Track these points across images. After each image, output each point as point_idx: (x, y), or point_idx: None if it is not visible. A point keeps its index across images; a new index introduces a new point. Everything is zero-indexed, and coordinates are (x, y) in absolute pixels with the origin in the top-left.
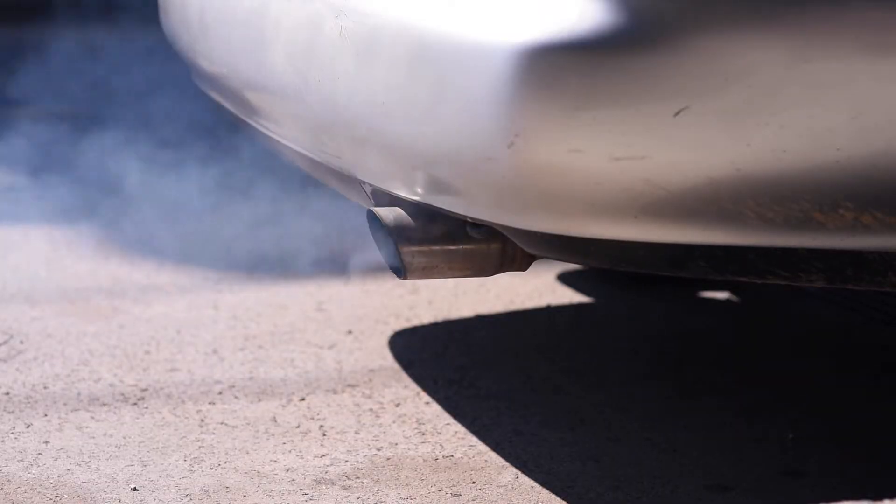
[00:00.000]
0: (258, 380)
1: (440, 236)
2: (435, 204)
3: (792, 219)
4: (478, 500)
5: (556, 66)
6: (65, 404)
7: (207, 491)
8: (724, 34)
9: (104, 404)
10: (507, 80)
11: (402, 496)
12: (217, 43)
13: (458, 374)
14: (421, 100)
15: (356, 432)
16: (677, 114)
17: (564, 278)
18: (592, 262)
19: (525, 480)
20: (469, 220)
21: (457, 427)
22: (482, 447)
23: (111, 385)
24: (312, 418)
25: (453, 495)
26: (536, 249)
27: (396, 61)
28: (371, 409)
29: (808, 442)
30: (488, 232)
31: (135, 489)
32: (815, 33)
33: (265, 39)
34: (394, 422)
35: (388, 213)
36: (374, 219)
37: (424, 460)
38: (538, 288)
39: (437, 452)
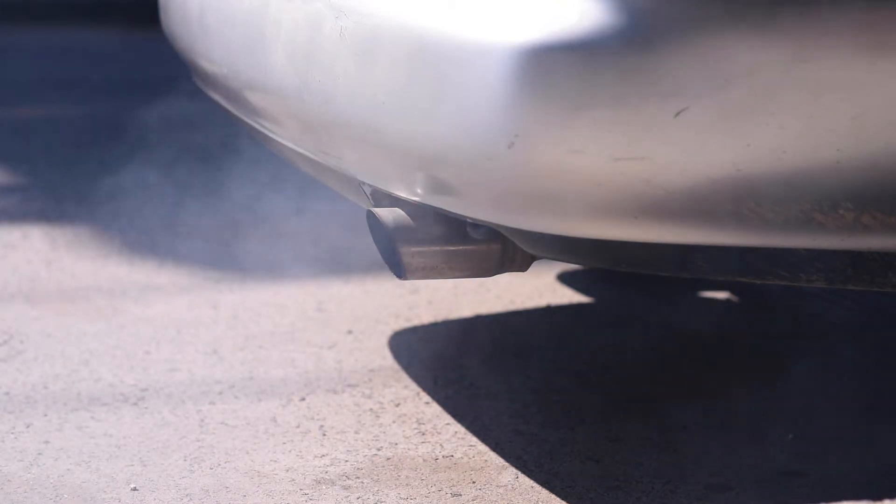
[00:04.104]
0: (258, 380)
1: (440, 237)
2: (435, 204)
3: (792, 219)
4: (478, 500)
5: (557, 67)
6: (65, 404)
7: (207, 491)
8: (724, 34)
9: (104, 404)
10: (507, 81)
11: (402, 496)
12: (217, 43)
13: (458, 374)
14: (421, 100)
15: (356, 432)
16: (677, 114)
17: (564, 278)
18: (592, 262)
19: (525, 480)
20: (469, 220)
21: (457, 427)
22: (482, 447)
23: (111, 385)
24: (312, 418)
25: (453, 495)
26: (536, 250)
27: (396, 61)
28: (371, 409)
29: (808, 442)
30: (488, 232)
31: (135, 489)
32: (815, 33)
33: (265, 39)
34: (394, 422)
35: (388, 214)
36: (373, 219)
37: (424, 460)
38: (538, 288)
39: (437, 452)
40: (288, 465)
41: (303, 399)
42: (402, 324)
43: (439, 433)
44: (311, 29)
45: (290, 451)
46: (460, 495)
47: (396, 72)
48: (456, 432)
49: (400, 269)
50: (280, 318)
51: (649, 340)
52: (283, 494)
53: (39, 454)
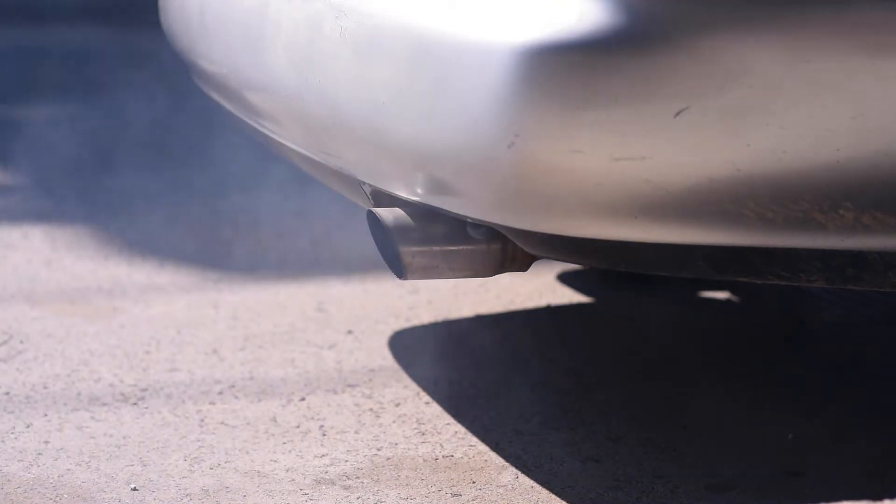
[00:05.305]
0: (258, 380)
1: (440, 236)
2: (435, 204)
3: (792, 219)
4: (478, 500)
5: (557, 67)
6: (65, 404)
7: (207, 491)
8: (724, 34)
9: (104, 404)
10: (507, 80)
11: (402, 496)
12: (217, 43)
13: (458, 374)
14: (421, 100)
15: (356, 432)
16: (677, 114)
17: (564, 278)
18: (592, 262)
19: (525, 480)
20: (469, 220)
21: (457, 427)
22: (482, 447)
23: (111, 385)
24: (312, 418)
25: (453, 495)
26: (537, 250)
27: (396, 61)
28: (371, 409)
29: (808, 442)
30: (488, 232)
31: (135, 489)
32: (815, 33)
33: (265, 39)
34: (394, 422)
35: (388, 214)
36: (373, 219)
37: (424, 460)
38: (538, 288)
39: (437, 452)
40: (288, 465)
41: (303, 399)
42: (402, 324)
43: (439, 433)
44: (311, 29)
45: (290, 451)
46: (460, 495)
47: (397, 72)
48: (456, 432)
49: (400, 269)
50: (280, 318)
51: (649, 340)
52: (283, 494)
53: (39, 454)
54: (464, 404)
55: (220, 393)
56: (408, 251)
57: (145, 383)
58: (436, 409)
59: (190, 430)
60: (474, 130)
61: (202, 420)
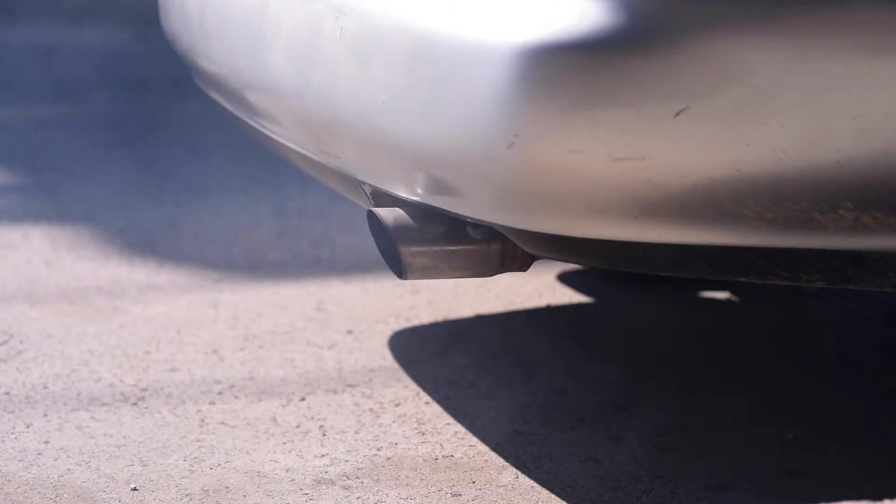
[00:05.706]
0: (258, 380)
1: (440, 236)
2: (435, 204)
3: (792, 219)
4: (478, 500)
5: (557, 67)
6: (65, 404)
7: (207, 491)
8: (724, 35)
9: (104, 404)
10: (507, 81)
11: (402, 496)
12: (217, 43)
13: (458, 374)
14: (421, 100)
15: (356, 432)
16: (677, 114)
17: (564, 278)
18: (592, 262)
19: (525, 480)
20: (469, 220)
21: (457, 427)
22: (482, 447)
23: (111, 385)
24: (312, 418)
25: (453, 495)
26: (537, 250)
27: (396, 62)
28: (371, 409)
29: (808, 442)
30: (488, 232)
31: (135, 489)
32: (815, 33)
33: (265, 39)
34: (394, 422)
35: (388, 214)
36: (374, 219)
37: (424, 460)
38: (538, 288)
39: (437, 452)
40: (288, 465)
41: (303, 399)
42: (402, 324)
43: (439, 433)
44: (311, 29)
45: (290, 451)
46: (460, 495)
47: (396, 72)
48: (456, 432)
49: (400, 269)
50: (280, 318)
51: (649, 340)
52: (283, 494)
53: (39, 454)
54: (464, 404)
55: (220, 393)
56: (408, 251)
57: (145, 383)
58: (436, 409)
59: (190, 430)
60: (474, 130)
61: (202, 420)
